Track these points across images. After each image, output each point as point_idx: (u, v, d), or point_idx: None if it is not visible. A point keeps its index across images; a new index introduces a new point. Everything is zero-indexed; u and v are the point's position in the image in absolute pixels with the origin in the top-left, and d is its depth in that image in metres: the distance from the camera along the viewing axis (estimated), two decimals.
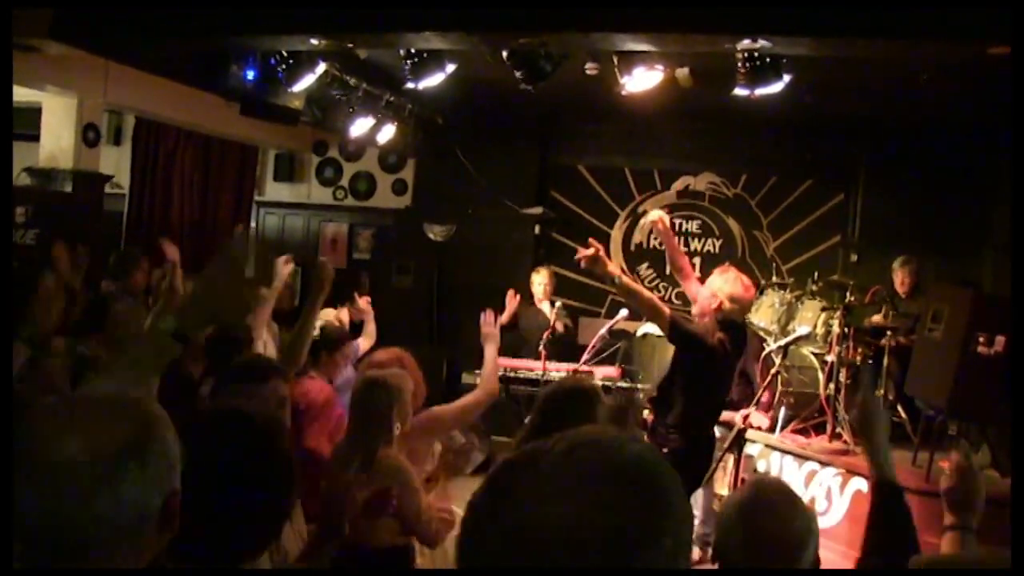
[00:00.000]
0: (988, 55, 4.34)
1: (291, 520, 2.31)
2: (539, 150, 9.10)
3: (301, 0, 4.97)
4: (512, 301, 6.72)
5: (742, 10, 4.42)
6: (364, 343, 5.07)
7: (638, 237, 8.97)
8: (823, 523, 4.89)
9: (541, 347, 6.33)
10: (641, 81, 5.52)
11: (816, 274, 6.74)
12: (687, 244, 8.72)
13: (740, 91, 5.10)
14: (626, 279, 4.06)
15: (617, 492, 0.79)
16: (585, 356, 5.77)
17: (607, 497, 0.78)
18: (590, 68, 5.65)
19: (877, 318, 6.38)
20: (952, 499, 1.92)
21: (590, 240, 3.92)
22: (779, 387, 6.13)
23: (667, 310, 4.03)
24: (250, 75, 6.02)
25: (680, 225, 8.75)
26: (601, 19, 4.63)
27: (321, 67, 5.97)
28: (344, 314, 5.54)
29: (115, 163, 7.98)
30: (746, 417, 4.82)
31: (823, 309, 6.31)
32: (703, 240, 8.85)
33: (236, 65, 5.99)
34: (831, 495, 5.61)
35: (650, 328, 7.11)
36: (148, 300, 5.37)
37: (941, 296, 5.58)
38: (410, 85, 5.61)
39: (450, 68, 5.46)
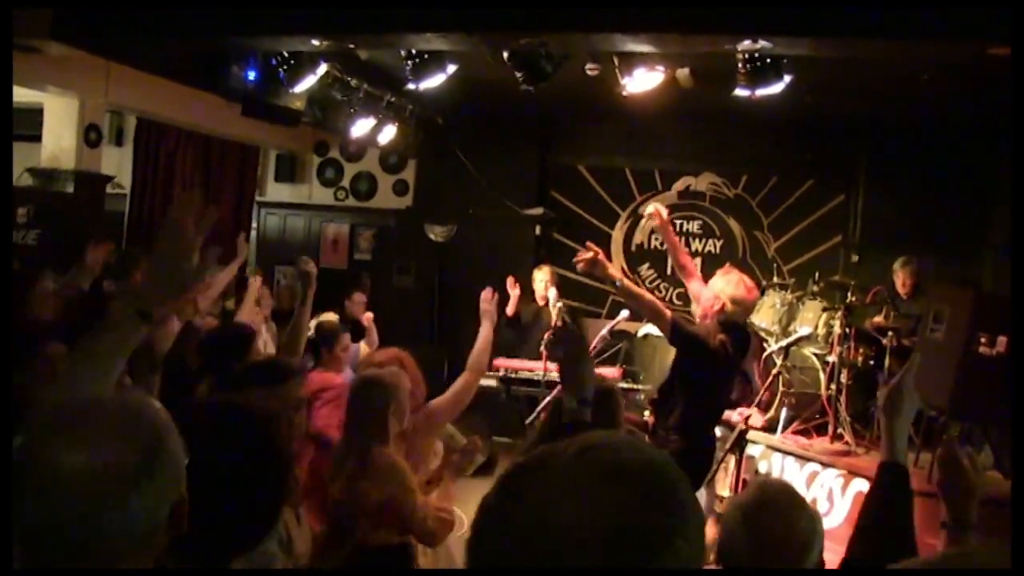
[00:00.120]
0: (988, 56, 4.34)
1: (300, 522, 2.31)
2: (540, 150, 9.10)
3: (302, 1, 4.97)
4: (514, 290, 6.66)
5: (743, 11, 4.42)
6: (366, 350, 5.10)
7: (639, 237, 8.98)
8: (824, 524, 4.87)
9: (542, 347, 6.32)
10: (642, 82, 5.53)
11: (817, 274, 6.75)
12: (688, 245, 8.71)
13: (741, 92, 5.10)
14: (627, 281, 4.05)
15: (628, 494, 0.79)
16: None
17: (618, 498, 0.79)
18: (591, 69, 5.65)
19: (878, 319, 6.37)
20: (944, 494, 1.92)
21: (587, 243, 3.90)
22: (780, 388, 6.12)
23: (668, 312, 4.02)
24: (251, 76, 6.03)
25: (681, 225, 8.74)
26: (602, 20, 4.63)
27: (322, 68, 5.97)
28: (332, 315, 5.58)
29: (117, 163, 7.98)
30: (747, 418, 4.82)
31: (824, 310, 6.31)
32: (704, 241, 8.85)
33: (237, 66, 5.99)
34: (832, 496, 5.61)
35: (651, 329, 7.10)
36: None
37: (942, 296, 5.57)
38: (411, 86, 5.61)
39: (451, 69, 5.46)
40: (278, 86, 6.07)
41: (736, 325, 4.14)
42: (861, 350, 6.20)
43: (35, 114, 6.77)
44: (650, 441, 4.00)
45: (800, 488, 5.55)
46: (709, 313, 4.12)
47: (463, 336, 3.64)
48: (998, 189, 7.50)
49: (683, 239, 8.66)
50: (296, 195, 9.85)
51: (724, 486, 5.42)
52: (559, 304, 6.68)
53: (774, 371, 5.63)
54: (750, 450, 5.71)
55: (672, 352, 4.29)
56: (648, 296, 4.23)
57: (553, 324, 6.63)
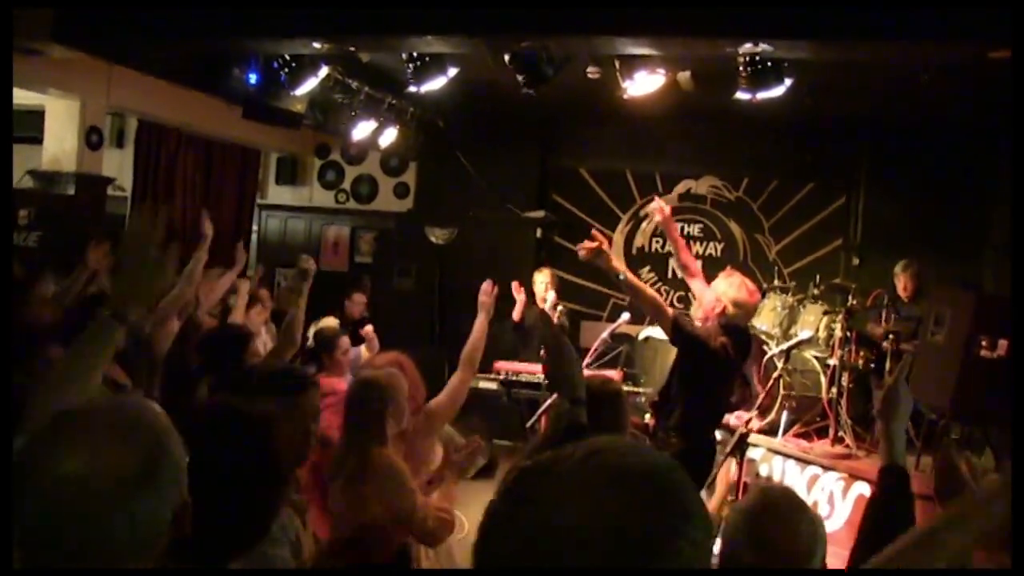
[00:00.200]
0: (988, 58, 4.34)
1: (306, 527, 2.31)
2: (540, 153, 9.10)
3: (303, 3, 4.98)
4: (519, 295, 6.64)
5: (743, 14, 4.43)
6: (367, 354, 5.12)
7: (640, 241, 8.97)
8: (826, 528, 4.86)
9: (543, 351, 6.32)
10: (643, 85, 5.53)
11: (818, 277, 6.74)
12: (689, 248, 8.68)
13: (741, 95, 5.10)
14: (630, 275, 4.01)
15: (632, 497, 0.80)
16: (587, 359, 5.75)
17: (622, 501, 0.79)
18: (592, 72, 5.66)
19: (879, 329, 6.34)
20: (941, 500, 1.92)
21: (594, 232, 3.86)
22: (781, 391, 6.12)
23: (670, 310, 4.02)
24: (252, 78, 6.03)
25: (682, 229, 8.72)
26: (603, 23, 4.64)
27: (323, 70, 5.98)
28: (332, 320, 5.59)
29: (118, 166, 7.99)
30: (747, 421, 4.81)
31: (825, 313, 6.31)
32: (705, 244, 8.85)
33: (238, 68, 6.00)
34: (833, 500, 5.60)
35: (652, 332, 7.10)
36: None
37: (943, 299, 5.56)
38: (412, 88, 5.62)
39: (452, 71, 5.46)
40: (279, 88, 6.07)
41: (737, 328, 4.14)
42: (862, 353, 6.19)
43: (36, 116, 6.78)
44: (650, 443, 4.00)
45: (801, 491, 5.55)
46: (710, 315, 4.11)
47: (464, 339, 3.62)
48: (998, 189, 7.50)
49: (684, 242, 8.64)
50: (297, 198, 9.85)
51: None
52: (559, 307, 6.70)
53: (775, 374, 5.62)
54: (751, 453, 5.70)
55: (673, 354, 4.29)
56: (650, 292, 4.22)
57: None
